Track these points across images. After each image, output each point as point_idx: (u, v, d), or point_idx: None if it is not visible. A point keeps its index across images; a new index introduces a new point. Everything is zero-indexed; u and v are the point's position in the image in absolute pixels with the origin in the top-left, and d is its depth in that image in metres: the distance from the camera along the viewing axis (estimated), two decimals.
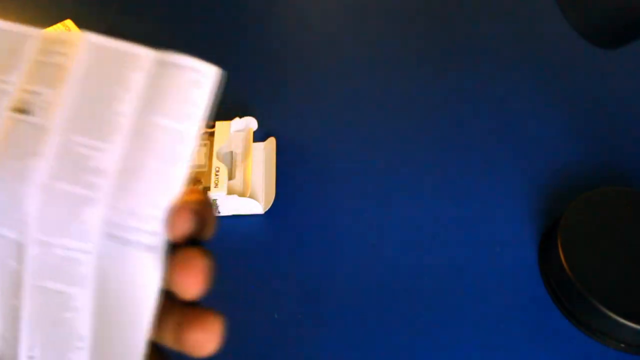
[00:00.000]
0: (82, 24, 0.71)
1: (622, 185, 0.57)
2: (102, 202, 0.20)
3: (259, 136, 0.61)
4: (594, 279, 0.47)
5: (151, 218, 0.20)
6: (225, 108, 0.64)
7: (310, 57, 0.69)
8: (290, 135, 0.61)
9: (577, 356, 0.47)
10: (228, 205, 0.54)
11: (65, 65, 0.21)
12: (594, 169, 0.58)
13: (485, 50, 0.69)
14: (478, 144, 0.60)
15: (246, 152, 0.58)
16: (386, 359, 0.46)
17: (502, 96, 0.64)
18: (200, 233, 0.21)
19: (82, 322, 0.21)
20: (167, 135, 0.20)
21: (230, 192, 0.55)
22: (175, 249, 0.21)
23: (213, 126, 0.58)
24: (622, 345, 0.46)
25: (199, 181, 0.53)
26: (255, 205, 0.54)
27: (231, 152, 0.58)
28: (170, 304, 0.22)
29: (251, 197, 0.55)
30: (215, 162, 0.55)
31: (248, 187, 0.55)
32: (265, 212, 0.55)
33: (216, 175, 0.54)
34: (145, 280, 0.20)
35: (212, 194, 0.53)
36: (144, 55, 0.21)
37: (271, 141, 0.60)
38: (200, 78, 0.21)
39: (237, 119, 0.59)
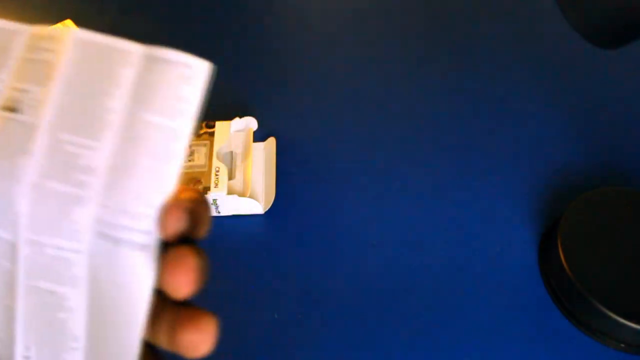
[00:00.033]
0: (82, 23, 0.71)
1: (622, 185, 0.57)
2: (92, 201, 0.20)
3: (259, 136, 0.61)
4: (594, 279, 0.47)
5: (143, 216, 0.20)
6: (225, 108, 0.64)
7: (311, 57, 0.69)
8: (290, 135, 0.61)
9: (577, 356, 0.47)
10: (228, 205, 0.54)
11: (54, 62, 0.21)
12: (594, 169, 0.58)
13: (485, 50, 0.69)
14: (478, 144, 0.60)
15: (246, 152, 0.58)
16: (386, 359, 0.46)
17: (502, 96, 0.64)
18: (194, 231, 0.21)
19: (76, 322, 0.21)
20: (159, 132, 0.20)
21: (230, 192, 0.55)
22: (168, 248, 0.20)
23: (213, 126, 0.58)
24: (622, 345, 0.46)
25: (199, 181, 0.53)
26: (255, 205, 0.54)
27: (231, 152, 0.58)
28: (164, 304, 0.21)
29: (251, 197, 0.55)
30: (215, 162, 0.55)
31: (248, 187, 0.55)
32: (265, 212, 0.55)
33: (216, 175, 0.54)
34: (138, 279, 0.20)
35: (212, 194, 0.53)
36: (133, 50, 0.21)
37: (271, 141, 0.60)
38: (191, 73, 0.20)
39: (237, 119, 0.59)
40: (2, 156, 0.20)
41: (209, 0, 0.76)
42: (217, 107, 0.64)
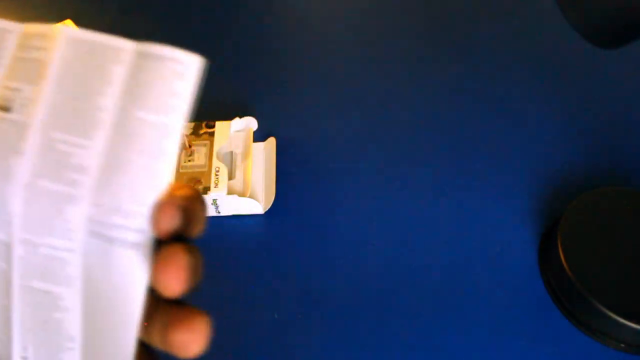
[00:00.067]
0: (82, 23, 0.71)
1: (622, 185, 0.57)
2: (85, 200, 0.20)
3: (259, 136, 0.61)
4: (594, 279, 0.47)
5: (136, 215, 0.20)
6: (225, 108, 0.64)
7: (310, 57, 0.69)
8: (290, 135, 0.61)
9: (577, 356, 0.47)
10: (228, 205, 0.54)
11: (45, 60, 0.21)
12: (594, 169, 0.58)
13: (485, 50, 0.69)
14: (478, 144, 0.60)
15: (246, 152, 0.58)
16: (386, 359, 0.46)
17: (502, 96, 0.64)
18: (188, 229, 0.21)
19: (72, 322, 0.21)
20: (151, 129, 0.20)
21: (230, 192, 0.55)
22: (161, 246, 0.20)
23: (213, 126, 0.58)
24: (622, 345, 0.46)
25: (199, 181, 0.53)
26: (255, 205, 0.54)
27: (231, 152, 0.58)
28: (157, 303, 0.21)
29: (251, 197, 0.55)
30: (215, 162, 0.55)
31: (248, 187, 0.55)
32: (265, 212, 0.55)
33: (216, 175, 0.54)
34: (131, 278, 0.20)
35: (212, 194, 0.53)
36: (124, 47, 0.21)
37: (271, 141, 0.60)
38: (182, 69, 0.20)
39: (237, 119, 0.59)
40: None
41: (209, 1, 0.76)
42: (217, 107, 0.64)
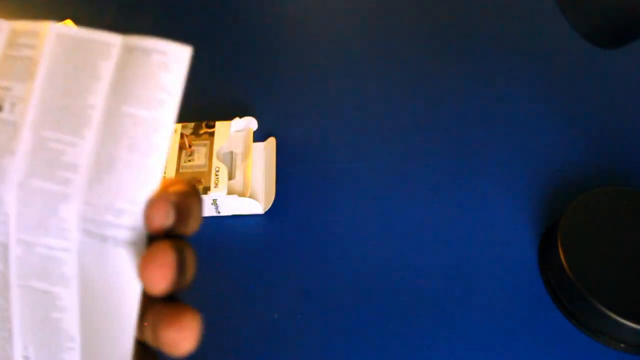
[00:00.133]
0: (82, 23, 0.71)
1: (622, 185, 0.57)
2: (77, 198, 0.19)
3: (259, 136, 0.61)
4: (594, 279, 0.47)
5: (128, 212, 0.19)
6: (225, 108, 0.64)
7: (311, 58, 0.69)
8: (290, 135, 0.61)
9: (577, 356, 0.47)
10: (228, 205, 0.54)
11: (35, 58, 0.21)
12: (594, 169, 0.58)
13: (485, 50, 0.69)
14: (478, 144, 0.60)
15: (246, 152, 0.58)
16: (386, 358, 0.46)
17: (502, 96, 0.64)
18: (182, 226, 0.20)
19: (70, 322, 0.21)
20: (139, 124, 0.20)
21: (230, 192, 0.55)
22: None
23: (213, 126, 0.58)
24: (622, 345, 0.46)
25: (199, 181, 0.53)
26: (255, 205, 0.54)
27: (231, 152, 0.58)
28: (150, 300, 0.21)
29: (251, 197, 0.55)
30: (215, 162, 0.55)
31: (248, 187, 0.55)
32: (265, 212, 0.55)
33: (216, 175, 0.54)
34: (126, 278, 0.20)
35: (212, 194, 0.53)
36: (112, 42, 0.20)
37: (271, 141, 0.60)
38: (168, 61, 0.20)
39: (237, 119, 0.59)
40: None
41: (209, 1, 0.76)
42: (217, 107, 0.64)
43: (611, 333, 0.46)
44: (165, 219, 0.19)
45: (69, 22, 0.68)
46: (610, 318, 0.45)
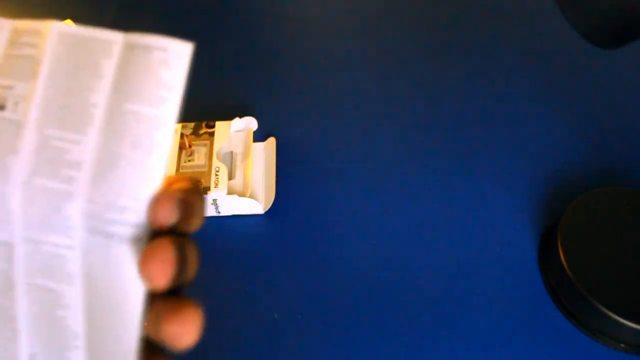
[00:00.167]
0: (82, 23, 0.71)
1: (622, 185, 0.57)
2: (81, 196, 0.20)
3: (259, 136, 0.61)
4: (594, 279, 0.47)
5: (132, 209, 0.19)
6: (225, 108, 0.64)
7: (311, 58, 0.69)
8: (290, 135, 0.61)
9: (577, 356, 0.47)
10: (228, 205, 0.54)
11: (37, 57, 0.21)
12: (594, 169, 0.58)
13: (485, 50, 0.69)
14: (478, 144, 0.60)
15: (246, 152, 0.58)
16: (386, 358, 0.46)
17: (502, 96, 0.64)
18: (185, 223, 0.20)
19: (75, 320, 0.21)
20: (140, 122, 0.20)
21: (230, 192, 0.55)
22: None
23: (213, 126, 0.58)
24: (622, 345, 0.46)
25: (199, 181, 0.53)
26: (255, 205, 0.54)
27: (231, 152, 0.58)
28: (153, 295, 0.21)
29: (251, 197, 0.55)
30: (215, 162, 0.55)
31: (248, 187, 0.55)
32: (265, 212, 0.55)
33: (216, 175, 0.54)
34: (130, 274, 0.20)
35: (212, 194, 0.53)
36: (113, 40, 0.20)
37: (271, 141, 0.60)
38: (169, 57, 0.20)
39: (237, 119, 0.59)
40: None
41: (209, 1, 0.76)
42: (217, 107, 0.64)
43: (611, 333, 0.46)
44: (170, 216, 0.19)
45: (69, 22, 0.68)
46: (610, 318, 0.45)
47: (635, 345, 0.46)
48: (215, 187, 0.53)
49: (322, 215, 0.55)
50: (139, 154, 0.20)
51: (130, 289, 0.20)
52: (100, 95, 0.20)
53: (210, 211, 0.55)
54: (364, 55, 0.69)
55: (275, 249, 0.53)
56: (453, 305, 0.49)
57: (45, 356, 0.22)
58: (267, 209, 0.55)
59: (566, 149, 0.60)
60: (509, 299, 0.50)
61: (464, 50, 0.69)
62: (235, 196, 0.53)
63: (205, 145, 0.56)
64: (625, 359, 0.46)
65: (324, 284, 0.51)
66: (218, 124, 0.58)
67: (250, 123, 0.60)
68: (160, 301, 0.21)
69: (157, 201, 0.19)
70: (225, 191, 0.53)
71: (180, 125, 0.58)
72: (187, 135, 0.57)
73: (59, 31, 0.21)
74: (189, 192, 0.20)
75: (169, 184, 0.20)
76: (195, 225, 0.21)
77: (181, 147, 0.56)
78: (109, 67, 0.20)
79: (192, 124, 0.58)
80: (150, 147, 0.20)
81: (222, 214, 0.55)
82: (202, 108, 0.64)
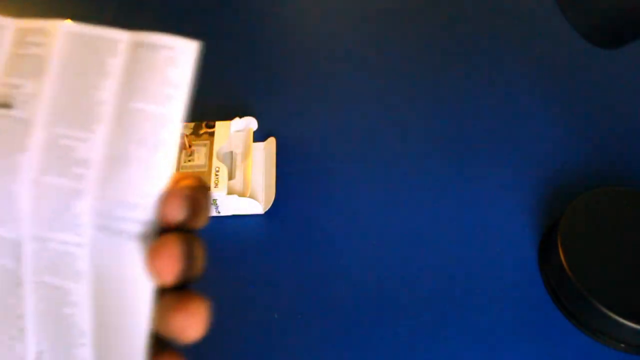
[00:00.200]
0: (81, 23, 0.71)
1: (622, 185, 0.57)
2: (90, 194, 0.20)
3: (259, 136, 0.61)
4: (594, 279, 0.47)
5: (140, 206, 0.20)
6: (225, 108, 0.64)
7: (310, 57, 0.69)
8: (290, 135, 0.61)
9: (577, 356, 0.47)
10: (228, 205, 0.54)
11: (44, 55, 0.21)
12: (594, 169, 0.58)
13: (485, 50, 0.69)
14: (478, 144, 0.60)
15: (246, 152, 0.58)
16: (386, 358, 0.46)
17: (502, 96, 0.64)
18: (193, 220, 0.20)
19: (82, 317, 0.21)
20: (147, 120, 0.20)
21: (230, 192, 0.55)
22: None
23: (213, 126, 0.58)
24: (622, 345, 0.46)
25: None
26: (255, 205, 0.54)
27: (231, 152, 0.58)
28: (161, 291, 0.21)
29: (251, 197, 0.55)
30: (215, 162, 0.55)
31: (248, 187, 0.55)
32: (265, 212, 0.55)
33: (216, 175, 0.54)
34: (139, 271, 0.20)
35: (212, 194, 0.53)
36: (120, 38, 0.21)
37: (271, 141, 0.60)
38: (176, 55, 0.20)
39: (237, 119, 0.59)
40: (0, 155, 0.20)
41: (209, 1, 0.76)
42: (217, 107, 0.64)
43: (611, 333, 0.46)
44: (178, 213, 0.20)
45: (68, 22, 0.68)
46: (610, 318, 0.45)
47: (635, 345, 0.46)
48: (215, 187, 0.53)
49: (322, 215, 0.55)
50: (146, 152, 0.20)
51: (139, 286, 0.20)
52: (107, 94, 0.20)
53: (210, 211, 0.55)
54: (363, 55, 0.69)
55: (275, 249, 0.53)
56: (453, 305, 0.49)
57: (52, 354, 0.22)
58: (267, 209, 0.55)
59: (566, 149, 0.60)
60: (508, 299, 0.50)
61: (464, 50, 0.69)
62: (235, 196, 0.53)
63: (205, 145, 0.56)
64: (625, 359, 0.46)
65: (324, 284, 0.51)
66: (218, 124, 0.58)
67: (250, 123, 0.60)
68: (167, 294, 0.21)
69: (165, 198, 0.20)
70: (225, 191, 0.53)
71: None
72: (187, 135, 0.57)
73: (65, 30, 0.21)
74: (197, 189, 0.20)
75: (176, 181, 0.20)
76: (202, 221, 0.21)
77: (181, 147, 0.56)
78: (115, 65, 0.20)
79: (192, 124, 0.58)
80: (156, 145, 0.20)
81: (222, 214, 0.55)
82: (202, 108, 0.64)
